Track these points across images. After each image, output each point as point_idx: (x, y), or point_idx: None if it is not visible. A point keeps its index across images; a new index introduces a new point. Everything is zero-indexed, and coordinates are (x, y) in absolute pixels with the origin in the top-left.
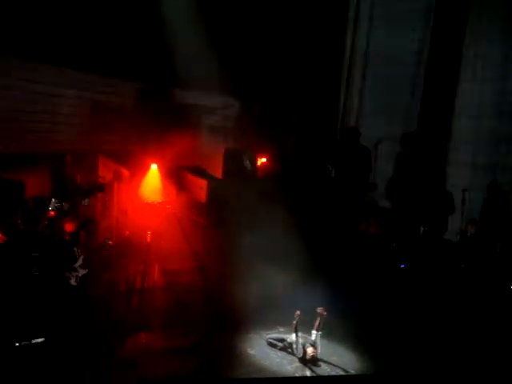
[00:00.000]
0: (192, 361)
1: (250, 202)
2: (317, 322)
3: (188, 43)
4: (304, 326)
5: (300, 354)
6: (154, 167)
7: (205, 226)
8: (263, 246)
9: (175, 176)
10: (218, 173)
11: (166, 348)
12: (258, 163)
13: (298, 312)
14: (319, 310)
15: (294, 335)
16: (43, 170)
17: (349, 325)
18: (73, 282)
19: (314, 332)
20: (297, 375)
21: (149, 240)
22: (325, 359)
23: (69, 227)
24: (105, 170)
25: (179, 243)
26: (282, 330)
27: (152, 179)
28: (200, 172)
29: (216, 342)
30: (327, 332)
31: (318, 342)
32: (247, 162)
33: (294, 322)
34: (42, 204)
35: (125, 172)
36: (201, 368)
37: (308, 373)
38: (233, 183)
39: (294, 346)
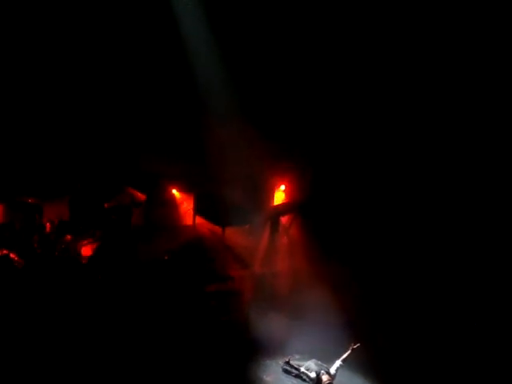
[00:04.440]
0: None
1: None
2: (345, 355)
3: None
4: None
5: (314, 381)
6: (174, 192)
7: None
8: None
9: (194, 200)
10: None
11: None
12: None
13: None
14: (354, 345)
15: (308, 363)
16: (61, 197)
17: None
18: None
19: (338, 362)
20: None
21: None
22: None
23: (86, 251)
24: (122, 195)
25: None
26: (297, 357)
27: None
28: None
29: (233, 368)
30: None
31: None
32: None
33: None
34: (62, 227)
35: (141, 196)
36: None
37: None
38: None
39: (309, 374)
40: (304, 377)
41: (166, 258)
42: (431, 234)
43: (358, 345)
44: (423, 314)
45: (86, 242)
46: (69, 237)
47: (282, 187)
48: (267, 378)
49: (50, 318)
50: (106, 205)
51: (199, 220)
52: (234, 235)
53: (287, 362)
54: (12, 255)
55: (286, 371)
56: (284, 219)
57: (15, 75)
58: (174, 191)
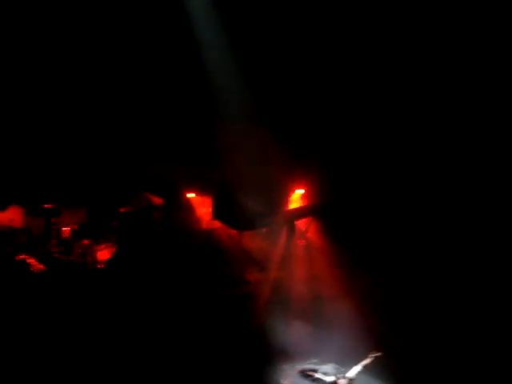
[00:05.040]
0: None
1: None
2: (366, 361)
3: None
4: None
5: None
6: (191, 195)
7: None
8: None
9: (211, 205)
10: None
11: None
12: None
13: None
14: (375, 353)
15: (325, 367)
16: (79, 202)
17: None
18: None
19: (358, 367)
20: None
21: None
22: None
23: (102, 255)
24: (138, 200)
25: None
26: (315, 360)
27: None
28: (233, 202)
29: (249, 372)
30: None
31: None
32: None
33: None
34: (79, 232)
35: (158, 201)
36: None
37: None
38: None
39: (325, 378)
40: (321, 382)
41: (182, 261)
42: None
43: (380, 354)
44: (450, 323)
45: (102, 246)
46: (86, 241)
47: (300, 190)
48: (284, 382)
49: (65, 322)
50: (122, 209)
51: (216, 224)
52: (251, 239)
53: (302, 372)
54: (29, 260)
55: (302, 375)
56: (301, 223)
57: (35, 81)
58: (191, 195)
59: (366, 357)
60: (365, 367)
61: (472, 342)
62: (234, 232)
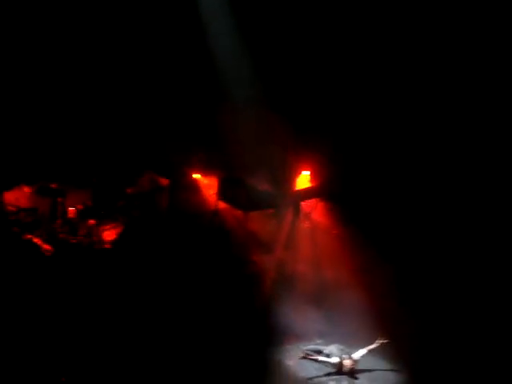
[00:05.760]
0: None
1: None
2: (372, 346)
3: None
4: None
5: (336, 366)
6: (197, 176)
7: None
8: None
9: (217, 186)
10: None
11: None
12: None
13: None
14: (382, 340)
15: (330, 347)
16: (85, 182)
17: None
18: None
19: (363, 350)
20: None
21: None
22: (363, 372)
23: (108, 236)
24: (144, 181)
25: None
26: (319, 341)
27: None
28: (239, 183)
29: (254, 352)
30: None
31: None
32: None
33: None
34: (85, 212)
35: (164, 181)
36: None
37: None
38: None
39: (330, 360)
40: (326, 362)
41: (187, 241)
42: None
43: (386, 341)
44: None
45: (108, 226)
46: (91, 221)
47: (306, 172)
48: (289, 362)
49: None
50: (128, 190)
51: (222, 205)
52: (258, 220)
53: (306, 352)
54: (35, 240)
55: (307, 356)
56: (306, 205)
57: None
58: (197, 176)
59: (372, 342)
60: (370, 351)
61: (481, 332)
62: (239, 213)
